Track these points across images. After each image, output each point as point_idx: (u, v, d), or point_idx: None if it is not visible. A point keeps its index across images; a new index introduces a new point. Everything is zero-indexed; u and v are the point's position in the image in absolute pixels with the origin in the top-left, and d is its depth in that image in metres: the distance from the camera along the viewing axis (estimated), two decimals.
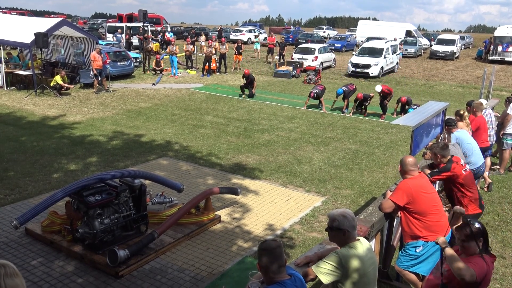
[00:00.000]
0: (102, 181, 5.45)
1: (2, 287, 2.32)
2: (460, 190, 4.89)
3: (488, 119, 7.89)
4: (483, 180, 7.79)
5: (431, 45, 35.75)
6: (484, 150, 7.28)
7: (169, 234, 5.78)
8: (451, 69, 26.62)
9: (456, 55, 31.84)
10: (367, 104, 14.03)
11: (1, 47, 16.82)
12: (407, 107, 13.51)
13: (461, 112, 7.14)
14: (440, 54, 31.19)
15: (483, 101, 8.40)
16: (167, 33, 28.11)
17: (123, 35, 28.23)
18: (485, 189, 7.83)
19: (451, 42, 32.21)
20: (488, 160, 8.19)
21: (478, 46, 37.42)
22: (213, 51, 21.49)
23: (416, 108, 13.04)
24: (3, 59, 16.54)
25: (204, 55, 21.64)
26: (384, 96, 13.74)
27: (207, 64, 21.22)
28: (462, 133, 6.43)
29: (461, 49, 35.49)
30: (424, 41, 37.68)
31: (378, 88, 13.64)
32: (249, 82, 16.27)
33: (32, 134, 10.69)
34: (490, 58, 29.25)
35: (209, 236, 6.04)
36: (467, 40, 42.15)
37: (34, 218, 5.11)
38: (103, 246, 5.29)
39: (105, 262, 5.04)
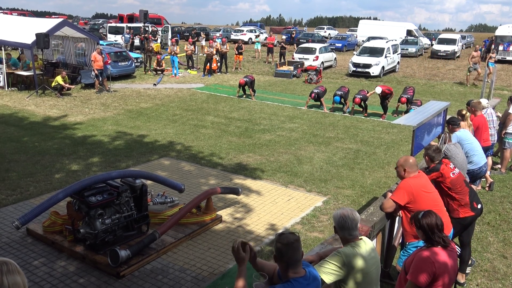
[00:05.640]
0: (104, 181, 5.45)
1: (4, 284, 2.33)
2: (448, 193, 4.82)
3: (489, 119, 7.88)
4: (484, 179, 7.77)
5: (432, 45, 35.71)
6: (485, 150, 7.26)
7: (170, 234, 5.78)
8: (452, 69, 26.60)
9: (457, 55, 31.80)
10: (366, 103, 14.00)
11: (2, 48, 16.86)
12: (409, 105, 13.48)
13: (463, 112, 7.13)
14: (441, 54, 31.16)
15: (483, 100, 8.39)
16: (217, 40, 24.36)
17: (130, 36, 28.17)
18: (487, 188, 7.82)
19: (452, 41, 32.18)
20: (490, 159, 8.18)
21: (479, 46, 37.36)
22: (214, 51, 21.49)
23: (417, 108, 13.03)
24: (4, 60, 16.56)
25: (205, 55, 21.65)
26: (385, 96, 13.69)
27: (208, 64, 21.23)
28: (463, 133, 6.42)
29: (462, 48, 35.45)
30: (425, 41, 37.62)
31: (378, 89, 13.54)
32: (249, 85, 16.24)
33: (34, 135, 10.70)
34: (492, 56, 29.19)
35: (210, 236, 6.05)
36: (468, 39, 42.08)
37: (35, 218, 5.13)
38: (105, 246, 5.29)
39: (107, 262, 5.05)
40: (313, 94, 14.25)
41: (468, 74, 20.64)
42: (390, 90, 13.83)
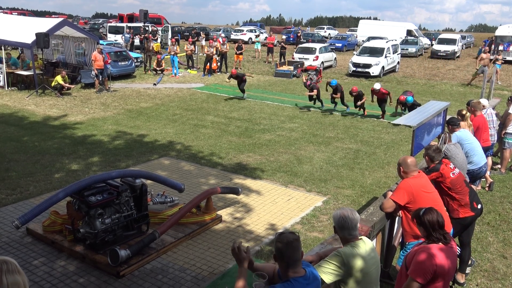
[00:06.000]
0: (104, 181, 5.45)
1: (4, 283, 2.33)
2: (448, 193, 4.81)
3: (489, 119, 7.88)
4: (484, 179, 7.77)
5: (432, 45, 35.72)
6: (485, 150, 7.27)
7: (170, 234, 5.79)
8: (452, 69, 26.60)
9: (457, 55, 31.80)
10: (360, 103, 13.44)
11: (2, 48, 16.85)
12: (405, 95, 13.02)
13: (463, 112, 7.12)
14: (441, 54, 31.16)
15: (483, 100, 8.39)
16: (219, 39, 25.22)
17: (130, 35, 28.11)
18: (487, 188, 7.82)
19: (452, 41, 32.18)
20: (490, 159, 8.18)
21: (479, 46, 37.38)
22: (214, 51, 21.49)
23: (414, 101, 12.69)
24: (4, 59, 16.55)
25: (205, 55, 21.65)
26: (381, 99, 13.36)
27: (208, 64, 21.23)
28: (463, 133, 6.42)
29: (462, 48, 35.46)
30: (425, 41, 37.64)
31: (377, 85, 13.28)
32: (240, 80, 15.72)
33: (34, 134, 10.70)
34: (491, 57, 29.21)
35: (210, 235, 6.05)
36: (468, 39, 42.09)
37: (35, 218, 5.13)
38: (104, 246, 5.30)
39: (107, 262, 5.05)
40: (308, 82, 14.18)
41: (475, 76, 19.82)
42: (387, 91, 13.39)
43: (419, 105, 12.39)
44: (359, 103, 13.51)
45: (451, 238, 3.34)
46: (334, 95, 13.85)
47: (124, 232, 5.57)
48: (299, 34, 36.63)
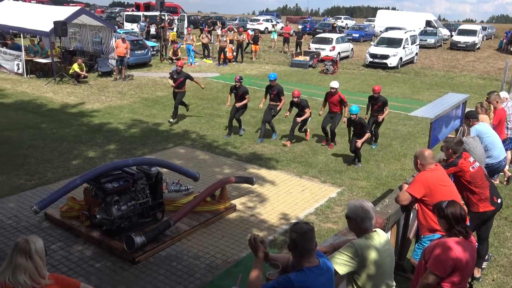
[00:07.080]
0: (120, 168, 5.52)
1: (12, 262, 2.53)
2: (468, 187, 4.73)
3: (509, 112, 7.71)
4: (502, 174, 7.64)
5: (451, 36, 34.99)
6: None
7: (184, 222, 5.84)
8: (472, 60, 26.06)
9: (477, 46, 31.08)
10: (303, 119, 9.54)
11: (22, 35, 17.08)
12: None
13: (485, 105, 6.97)
14: (461, 45, 30.50)
15: (504, 93, 8.19)
16: (249, 31, 26.40)
17: (146, 24, 28.16)
18: (505, 183, 7.69)
19: (472, 32, 31.45)
20: (509, 153, 8.01)
21: (500, 37, 36.47)
22: (228, 41, 21.40)
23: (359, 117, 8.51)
24: (23, 47, 16.78)
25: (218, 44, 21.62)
26: (333, 112, 9.54)
27: (223, 53, 21.19)
28: (483, 126, 6.29)
29: (482, 40, 34.64)
30: (444, 32, 36.86)
31: (335, 84, 9.44)
32: (180, 84, 10.75)
33: (52, 122, 10.86)
34: None
35: (224, 224, 6.09)
36: (489, 30, 41.06)
37: (53, 203, 5.22)
38: (120, 232, 5.37)
39: (122, 248, 5.13)
40: (238, 83, 10.72)
41: None
42: (345, 100, 9.56)
43: (365, 125, 8.59)
44: (300, 119, 9.48)
45: (471, 233, 3.31)
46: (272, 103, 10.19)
47: (140, 219, 5.64)
48: (334, 25, 35.83)
